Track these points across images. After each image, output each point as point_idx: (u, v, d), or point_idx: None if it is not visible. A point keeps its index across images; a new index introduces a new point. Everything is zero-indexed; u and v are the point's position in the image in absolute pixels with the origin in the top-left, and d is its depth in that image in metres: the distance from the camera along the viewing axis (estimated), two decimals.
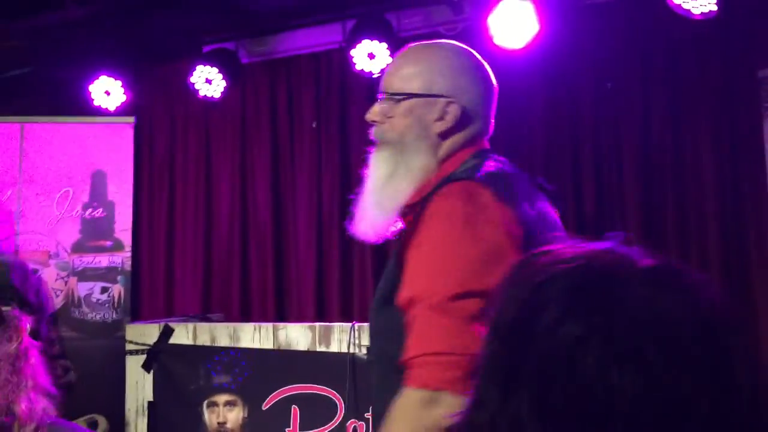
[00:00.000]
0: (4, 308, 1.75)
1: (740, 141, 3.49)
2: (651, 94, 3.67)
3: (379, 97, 1.50)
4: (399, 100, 1.46)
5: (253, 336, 3.07)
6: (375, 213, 1.42)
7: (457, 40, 3.96)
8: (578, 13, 3.72)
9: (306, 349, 2.97)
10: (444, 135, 1.45)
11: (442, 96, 1.45)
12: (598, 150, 3.77)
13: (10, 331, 1.69)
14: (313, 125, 4.35)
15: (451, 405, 1.10)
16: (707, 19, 3.11)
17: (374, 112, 1.49)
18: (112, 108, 4.13)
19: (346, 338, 2.88)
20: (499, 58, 3.47)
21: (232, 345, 3.10)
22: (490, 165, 1.41)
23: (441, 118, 1.45)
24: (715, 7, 3.06)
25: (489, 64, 1.67)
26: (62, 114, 4.23)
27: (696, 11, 3.11)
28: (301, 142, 4.38)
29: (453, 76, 1.47)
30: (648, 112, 3.68)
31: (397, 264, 1.35)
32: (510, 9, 3.33)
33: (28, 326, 1.76)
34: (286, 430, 2.94)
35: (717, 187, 3.52)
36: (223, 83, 4.02)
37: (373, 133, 1.50)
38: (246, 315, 4.30)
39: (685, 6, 3.12)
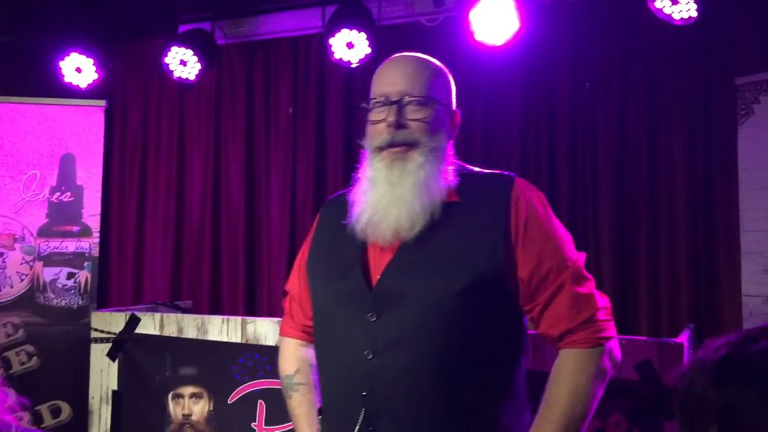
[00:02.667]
0: None
1: (714, 147, 3.51)
2: (628, 95, 3.68)
3: (400, 100, 1.50)
4: (432, 106, 1.52)
5: (221, 329, 3.04)
6: (418, 210, 1.47)
7: (437, 31, 3.95)
8: (559, 12, 3.70)
9: (274, 344, 2.95)
10: (451, 141, 1.61)
11: (453, 107, 1.60)
12: (573, 148, 3.78)
13: None
14: (290, 111, 4.29)
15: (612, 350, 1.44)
16: (687, 24, 3.10)
17: (402, 114, 1.50)
18: (83, 86, 4.03)
19: None
20: (480, 53, 3.46)
21: (200, 337, 3.06)
22: None
23: (455, 127, 1.60)
24: (695, 14, 3.06)
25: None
26: (32, 93, 4.12)
27: (677, 16, 3.10)
28: (277, 128, 4.33)
29: (454, 92, 1.62)
30: (624, 113, 3.68)
31: (490, 249, 1.44)
32: (491, 5, 3.29)
33: None
34: (252, 424, 2.93)
35: (689, 191, 3.55)
36: (198, 65, 3.93)
37: (400, 135, 1.49)
38: (216, 303, 4.27)
39: (666, 10, 3.11)
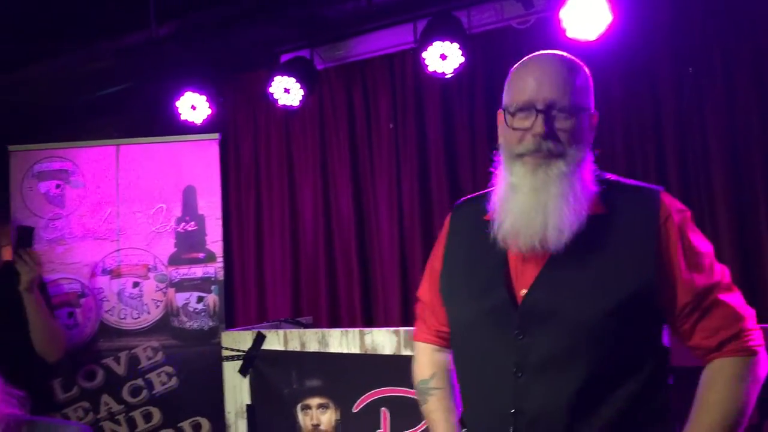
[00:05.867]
0: None
1: None
2: (734, 75, 3.53)
3: (547, 109, 1.43)
4: (577, 115, 1.46)
5: (341, 341, 3.17)
6: (565, 219, 1.42)
7: (529, 34, 3.96)
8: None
9: (392, 353, 3.04)
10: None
11: (593, 109, 1.53)
12: (682, 137, 3.66)
13: None
14: (390, 126, 4.41)
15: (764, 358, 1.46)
16: None
17: (549, 124, 1.44)
18: (198, 122, 4.27)
19: None
20: (573, 51, 3.42)
21: (321, 350, 3.21)
22: None
23: (593, 130, 1.54)
24: None
25: None
26: (153, 133, 4.46)
27: None
28: (380, 144, 4.44)
29: (592, 92, 1.55)
30: (733, 97, 3.54)
31: (642, 268, 1.42)
32: (581, 1, 3.27)
33: None
34: (377, 431, 3.03)
35: None
36: (301, 92, 4.11)
37: (546, 145, 1.44)
38: (334, 317, 4.42)
39: None
